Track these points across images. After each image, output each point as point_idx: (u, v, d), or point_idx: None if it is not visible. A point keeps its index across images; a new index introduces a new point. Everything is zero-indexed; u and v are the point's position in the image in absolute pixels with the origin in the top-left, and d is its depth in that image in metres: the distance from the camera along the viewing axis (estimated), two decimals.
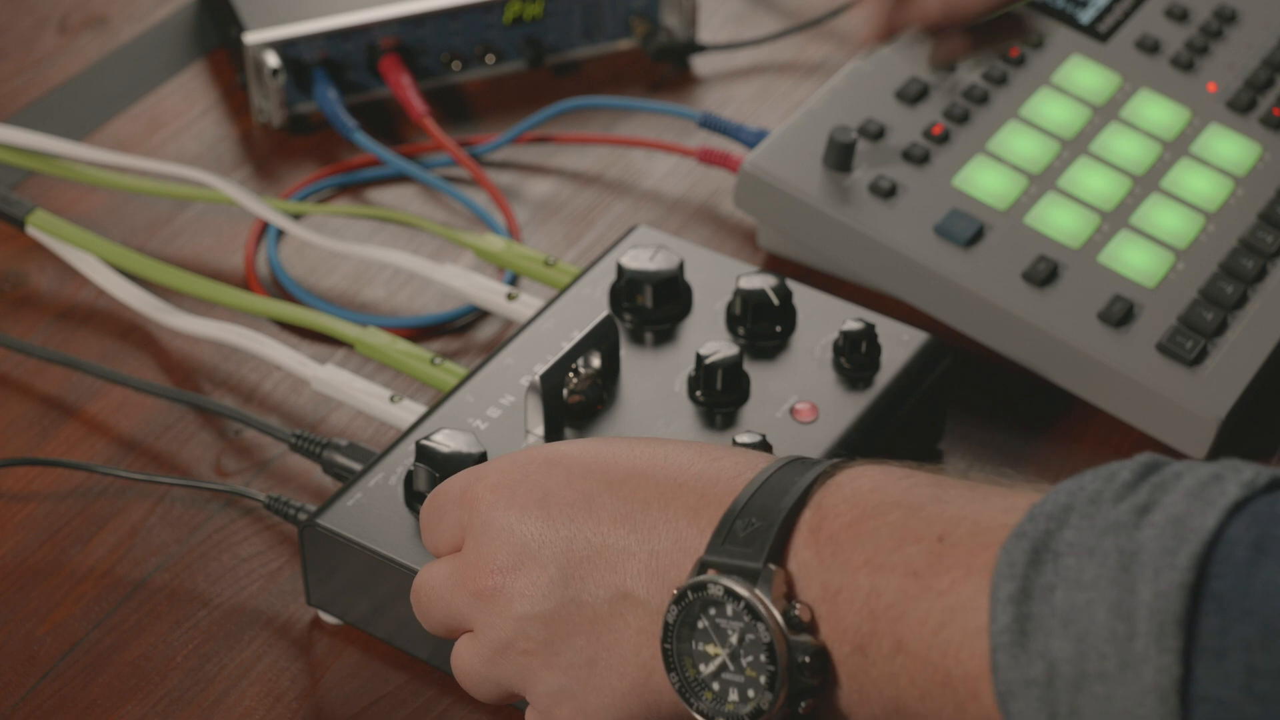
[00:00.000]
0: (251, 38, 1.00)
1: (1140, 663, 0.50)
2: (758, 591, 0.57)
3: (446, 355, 0.88)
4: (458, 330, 0.92)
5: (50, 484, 0.84)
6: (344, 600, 0.76)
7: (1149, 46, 0.96)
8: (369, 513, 0.74)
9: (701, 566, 0.58)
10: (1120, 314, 0.84)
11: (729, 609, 0.58)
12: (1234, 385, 0.83)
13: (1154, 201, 0.89)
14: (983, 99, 0.92)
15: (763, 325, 0.82)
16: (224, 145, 1.02)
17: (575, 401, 0.78)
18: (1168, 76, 0.95)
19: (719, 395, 0.78)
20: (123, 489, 0.83)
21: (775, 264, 0.94)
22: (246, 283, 0.94)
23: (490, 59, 1.06)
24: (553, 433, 0.77)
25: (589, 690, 0.62)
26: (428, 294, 0.93)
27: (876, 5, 0.83)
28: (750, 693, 0.58)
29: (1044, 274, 0.85)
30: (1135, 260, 0.87)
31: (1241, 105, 0.94)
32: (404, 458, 0.75)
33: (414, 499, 0.74)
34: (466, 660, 0.65)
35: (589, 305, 0.83)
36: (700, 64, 1.08)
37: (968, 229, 0.87)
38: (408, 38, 1.03)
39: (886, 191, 0.88)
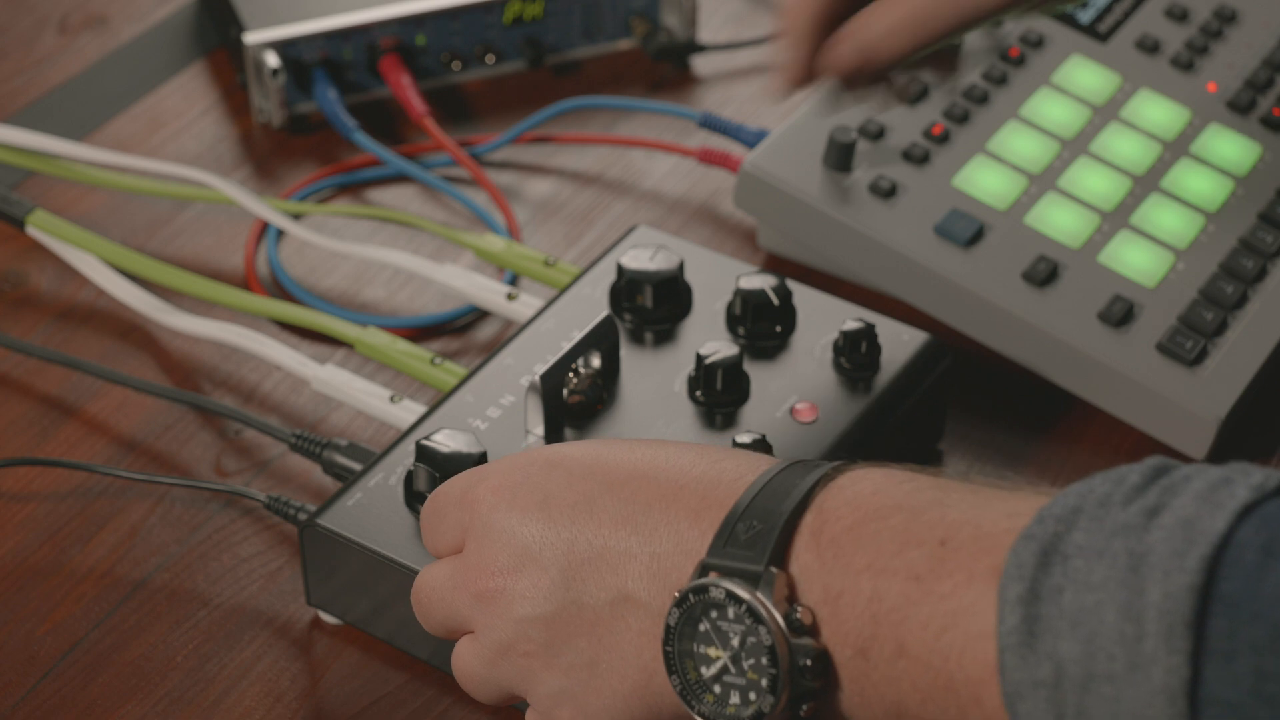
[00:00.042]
0: (251, 38, 1.00)
1: (1149, 664, 0.50)
2: (759, 594, 0.57)
3: (446, 355, 0.88)
4: (458, 330, 0.92)
5: (50, 484, 0.84)
6: (344, 600, 0.76)
7: (1149, 46, 0.96)
8: (369, 513, 0.74)
9: (703, 569, 0.58)
10: (1120, 314, 0.84)
11: (730, 612, 0.58)
12: (1234, 385, 0.83)
13: (1154, 201, 0.89)
14: (983, 99, 0.92)
15: (763, 325, 0.82)
16: (224, 145, 1.02)
17: (575, 401, 0.78)
18: (1168, 76, 0.95)
19: (719, 395, 0.78)
20: (123, 489, 0.83)
21: (775, 264, 0.94)
22: (246, 283, 0.94)
23: (490, 59, 1.06)
24: (553, 433, 0.77)
25: (590, 692, 0.62)
26: (428, 294, 0.93)
27: (789, 52, 0.78)
28: (751, 695, 0.58)
29: (1044, 274, 0.85)
30: (1135, 260, 0.87)
31: (1241, 105, 0.94)
32: (404, 458, 0.75)
33: (414, 499, 0.74)
34: (467, 662, 0.65)
35: (589, 305, 0.83)
36: (700, 64, 1.08)
37: (968, 229, 0.87)
38: (408, 38, 1.03)
39: (886, 191, 0.88)
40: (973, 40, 0.94)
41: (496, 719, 0.74)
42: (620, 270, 0.83)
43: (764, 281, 0.82)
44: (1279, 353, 0.85)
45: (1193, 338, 0.84)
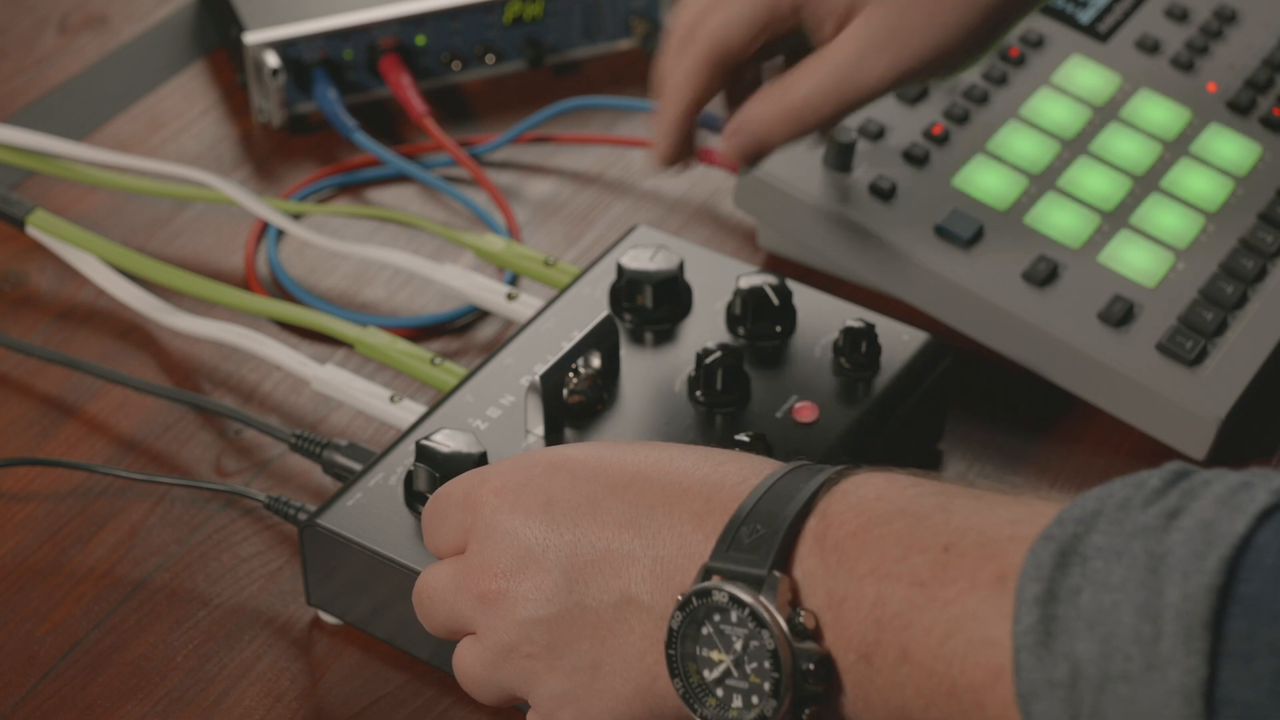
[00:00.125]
0: (251, 38, 1.00)
1: (1166, 664, 0.50)
2: (762, 598, 0.57)
3: (446, 355, 0.88)
4: (458, 330, 0.92)
5: (50, 484, 0.84)
6: (344, 600, 0.76)
7: (1149, 46, 0.96)
8: (369, 513, 0.74)
9: (706, 573, 0.58)
10: (1120, 314, 0.84)
11: (733, 615, 0.58)
12: (1234, 385, 0.83)
13: (1154, 201, 0.89)
14: (983, 99, 0.92)
15: (763, 325, 0.82)
16: (224, 145, 1.02)
17: (575, 401, 0.78)
18: (1168, 76, 0.95)
19: (719, 395, 0.78)
20: (123, 489, 0.83)
21: (775, 264, 0.94)
22: (246, 283, 0.94)
23: (490, 59, 1.06)
24: (553, 433, 0.77)
25: (592, 694, 0.62)
26: (428, 294, 0.93)
27: (665, 137, 0.80)
28: (754, 699, 0.58)
29: (1044, 274, 0.85)
30: (1135, 260, 0.87)
31: (1241, 105, 0.94)
32: (404, 458, 0.75)
33: (414, 499, 0.74)
34: (469, 663, 0.65)
35: (589, 305, 0.83)
36: None
37: (968, 229, 0.86)
38: (407, 38, 1.03)
39: (886, 191, 0.88)
40: None
41: (497, 719, 0.74)
42: (620, 270, 0.83)
43: (764, 281, 0.82)
44: (1279, 353, 0.85)
45: (1193, 338, 0.84)
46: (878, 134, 0.90)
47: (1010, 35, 0.95)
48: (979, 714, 0.54)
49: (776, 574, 0.57)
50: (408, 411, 0.82)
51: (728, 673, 0.59)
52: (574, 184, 1.00)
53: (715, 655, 0.59)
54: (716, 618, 0.58)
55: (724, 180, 0.99)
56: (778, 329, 0.82)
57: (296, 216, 0.97)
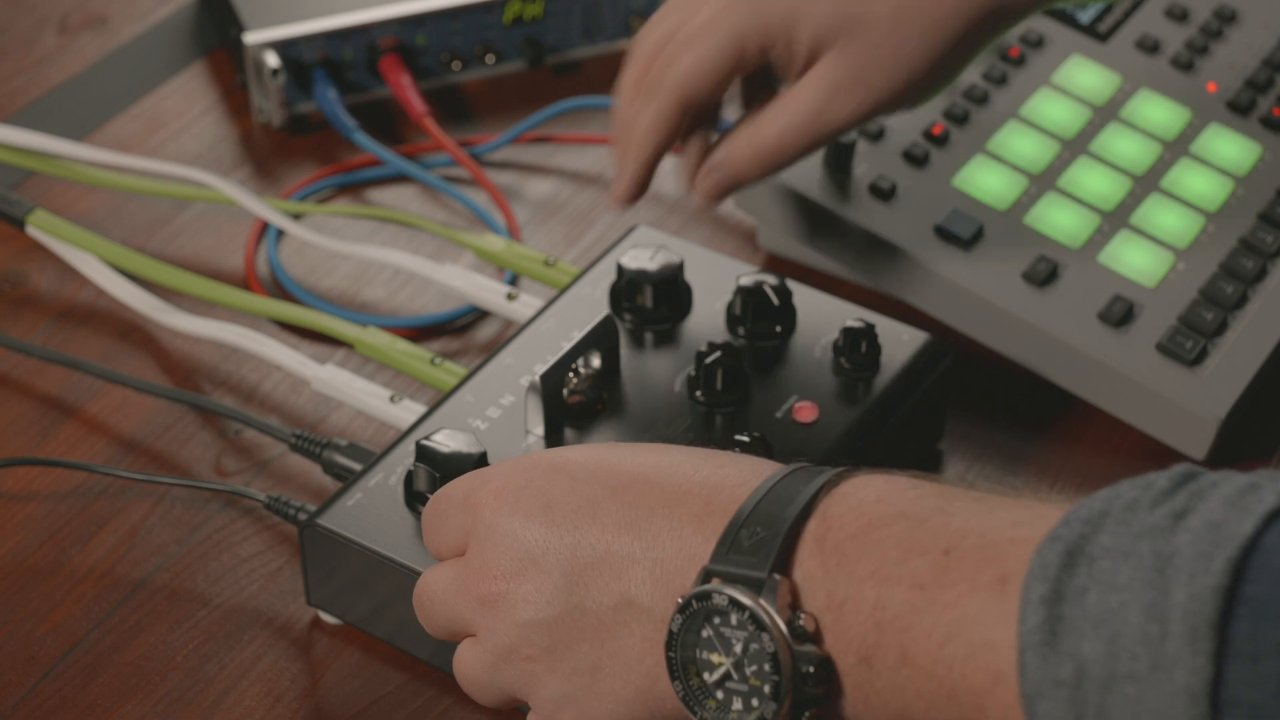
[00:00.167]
0: (251, 38, 1.00)
1: (1172, 664, 0.50)
2: (762, 601, 0.57)
3: (446, 355, 0.88)
4: (458, 330, 0.92)
5: (50, 484, 0.84)
6: (344, 600, 0.76)
7: (1149, 46, 0.96)
8: (369, 513, 0.74)
9: (706, 575, 0.58)
10: (1120, 314, 0.84)
11: (733, 618, 0.58)
12: (1234, 385, 0.83)
13: (1154, 201, 0.89)
14: (983, 99, 0.92)
15: (763, 325, 0.82)
16: (224, 145, 1.02)
17: (575, 401, 0.78)
18: (1168, 76, 0.95)
19: (719, 395, 0.78)
20: (123, 489, 0.83)
21: (775, 264, 0.94)
22: (246, 283, 0.94)
23: (490, 59, 1.06)
24: (553, 433, 0.77)
25: (592, 697, 0.62)
26: (428, 294, 0.93)
27: (630, 177, 0.82)
28: (754, 702, 0.58)
29: (1044, 274, 0.85)
30: (1135, 260, 0.87)
31: (1241, 105, 0.94)
32: (404, 458, 0.75)
33: (414, 499, 0.74)
34: (469, 665, 0.65)
35: (589, 305, 0.83)
36: None
37: (968, 229, 0.86)
38: (408, 38, 1.03)
39: (886, 191, 0.88)
40: None
41: (498, 719, 0.74)
42: (620, 270, 0.83)
43: (764, 281, 0.82)
44: (1279, 353, 0.85)
45: (1193, 338, 0.84)
46: (878, 134, 0.90)
47: (1010, 35, 0.95)
48: (979, 717, 0.54)
49: (776, 577, 0.57)
50: (408, 411, 0.82)
51: (728, 675, 0.59)
52: (574, 184, 1.00)
53: (715, 658, 0.59)
54: (716, 620, 0.58)
55: None
56: (778, 329, 0.82)
57: (296, 216, 0.97)
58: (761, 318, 0.81)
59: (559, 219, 0.98)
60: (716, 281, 0.84)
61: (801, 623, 0.57)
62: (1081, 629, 0.51)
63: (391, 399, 0.82)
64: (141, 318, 0.91)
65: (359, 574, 0.73)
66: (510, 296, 0.87)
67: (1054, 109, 0.93)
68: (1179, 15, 0.98)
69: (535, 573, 0.62)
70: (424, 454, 0.73)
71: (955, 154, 0.90)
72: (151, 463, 0.85)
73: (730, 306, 0.82)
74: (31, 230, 0.91)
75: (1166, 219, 0.88)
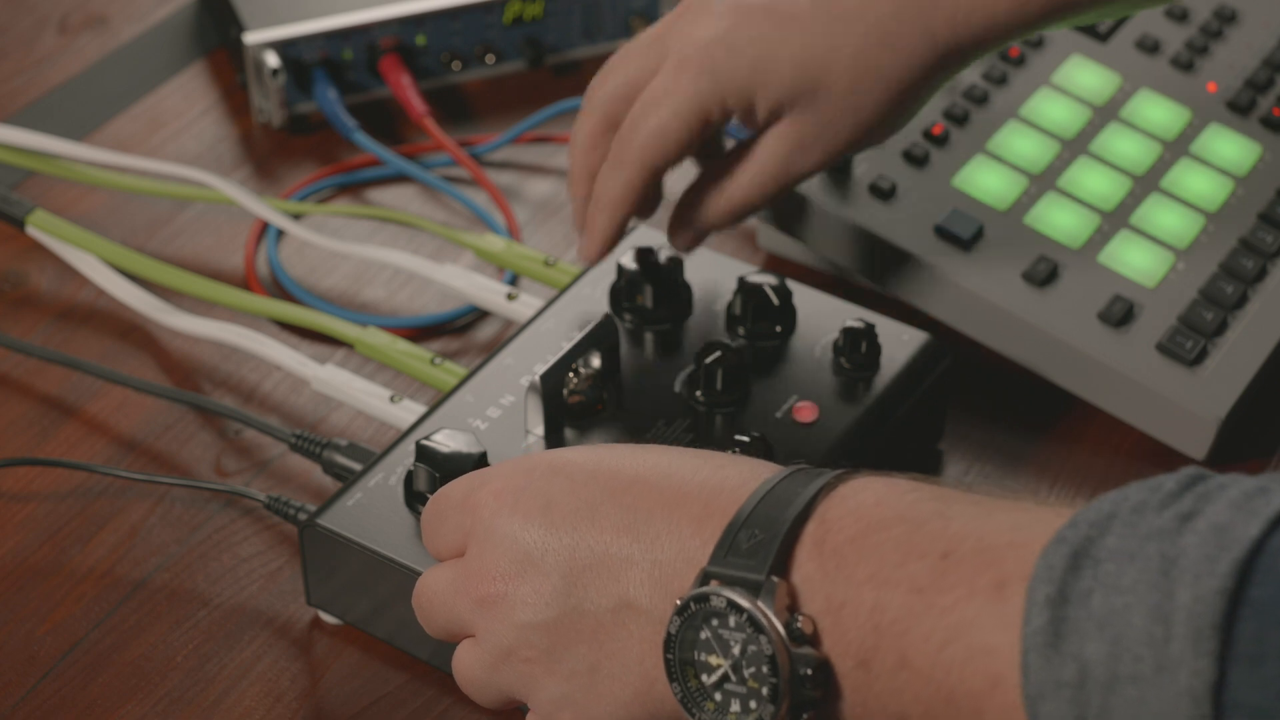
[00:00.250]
0: (251, 38, 1.00)
1: (1176, 666, 0.50)
2: (760, 603, 0.57)
3: (446, 355, 0.88)
4: (458, 330, 0.92)
5: (50, 484, 0.84)
6: (344, 600, 0.76)
7: (1149, 46, 0.96)
8: (369, 513, 0.74)
9: (704, 577, 0.58)
10: (1120, 314, 0.84)
11: (731, 620, 0.58)
12: (1234, 385, 0.83)
13: (1154, 201, 0.89)
14: (983, 99, 0.92)
15: (763, 325, 0.82)
16: (224, 145, 1.02)
17: (575, 401, 0.78)
18: (1168, 76, 0.95)
19: (719, 395, 0.78)
20: (123, 489, 0.83)
21: (775, 264, 0.94)
22: (246, 283, 0.94)
23: (490, 59, 1.06)
24: (553, 433, 0.77)
25: (591, 698, 0.62)
26: (428, 294, 0.93)
27: (603, 230, 0.82)
28: (752, 704, 0.58)
29: (1044, 274, 0.85)
30: (1135, 260, 0.87)
31: (1241, 105, 0.94)
32: (404, 458, 0.75)
33: (414, 499, 0.74)
34: (468, 666, 0.65)
35: (589, 305, 0.83)
36: None
37: (968, 229, 0.86)
38: (408, 38, 1.03)
39: (886, 191, 0.88)
40: None
41: (498, 719, 0.74)
42: (620, 270, 0.83)
43: (764, 281, 0.82)
44: (1279, 353, 0.85)
45: (1193, 338, 0.84)
46: None
47: None
48: None
49: (774, 579, 0.57)
50: (408, 411, 0.82)
51: (726, 677, 0.59)
52: None
53: (713, 660, 0.59)
54: (715, 622, 0.58)
55: None
56: (778, 329, 0.82)
57: (296, 216, 0.97)
58: (761, 318, 0.81)
59: (559, 219, 0.98)
60: (716, 281, 0.84)
61: (799, 625, 0.57)
62: (1086, 630, 0.51)
63: (391, 399, 0.82)
64: (141, 318, 0.91)
65: (359, 574, 0.73)
66: (510, 296, 0.87)
67: (1054, 109, 0.93)
68: (1179, 15, 0.98)
69: (534, 574, 0.62)
70: (424, 454, 0.73)
71: (955, 154, 0.90)
72: (151, 463, 0.85)
73: (730, 306, 0.82)
74: (31, 230, 0.91)
75: (1166, 219, 0.88)
